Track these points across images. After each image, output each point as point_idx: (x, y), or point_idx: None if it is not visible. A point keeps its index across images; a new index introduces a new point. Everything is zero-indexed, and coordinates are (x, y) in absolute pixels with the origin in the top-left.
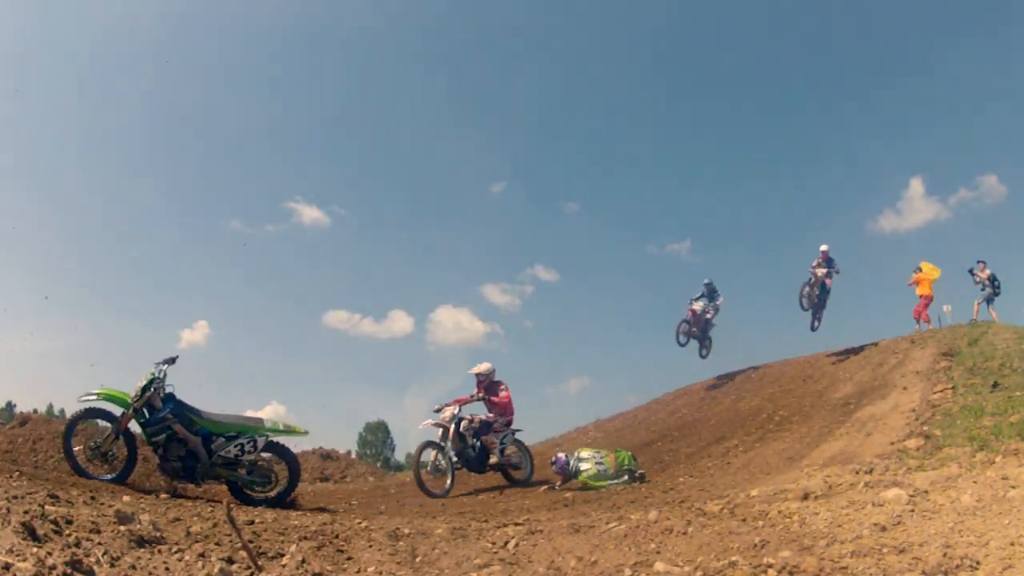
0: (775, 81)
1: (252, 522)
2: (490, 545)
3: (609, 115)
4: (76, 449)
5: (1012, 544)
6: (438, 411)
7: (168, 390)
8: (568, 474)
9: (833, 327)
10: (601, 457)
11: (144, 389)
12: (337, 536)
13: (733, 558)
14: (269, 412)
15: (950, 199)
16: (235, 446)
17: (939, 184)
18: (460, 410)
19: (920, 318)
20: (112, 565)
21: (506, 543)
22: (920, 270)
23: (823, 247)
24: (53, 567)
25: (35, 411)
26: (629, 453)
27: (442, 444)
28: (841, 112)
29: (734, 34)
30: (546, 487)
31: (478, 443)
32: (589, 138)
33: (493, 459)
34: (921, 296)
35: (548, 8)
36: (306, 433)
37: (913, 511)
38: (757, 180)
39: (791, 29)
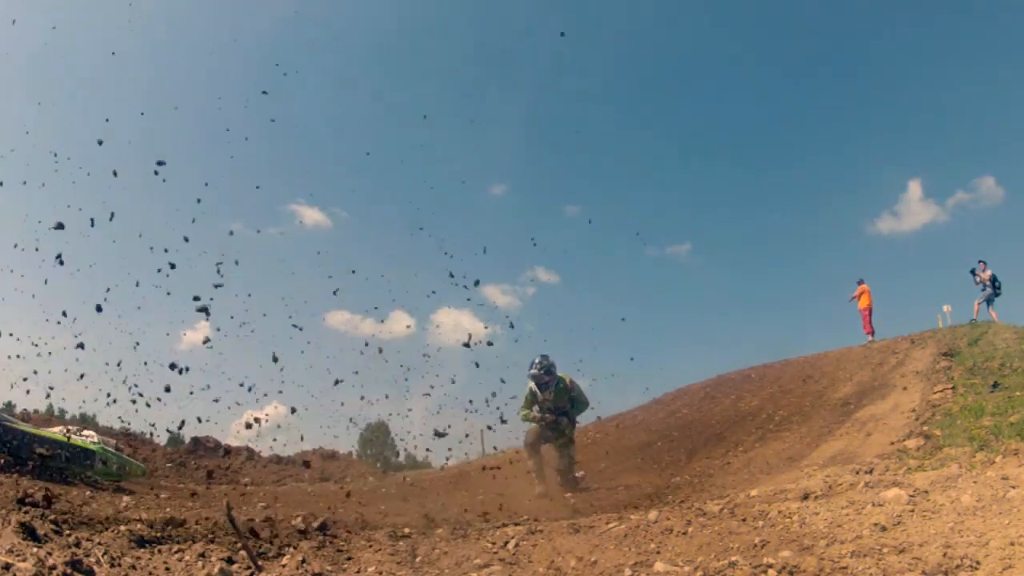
0: (774, 84)
1: (252, 522)
2: (490, 545)
3: (609, 118)
4: None
5: (1012, 544)
6: None
7: None
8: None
9: (834, 328)
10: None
11: None
12: (337, 536)
13: (733, 558)
14: (270, 412)
15: (948, 201)
16: None
17: (937, 186)
18: None
19: (872, 331)
20: (112, 565)
21: (506, 543)
22: (862, 283)
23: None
24: (53, 567)
25: (35, 411)
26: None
27: None
28: (839, 115)
29: (733, 37)
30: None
31: None
32: (590, 141)
33: None
34: (865, 308)
35: (549, 11)
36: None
37: (913, 511)
38: (756, 183)
39: (790, 32)
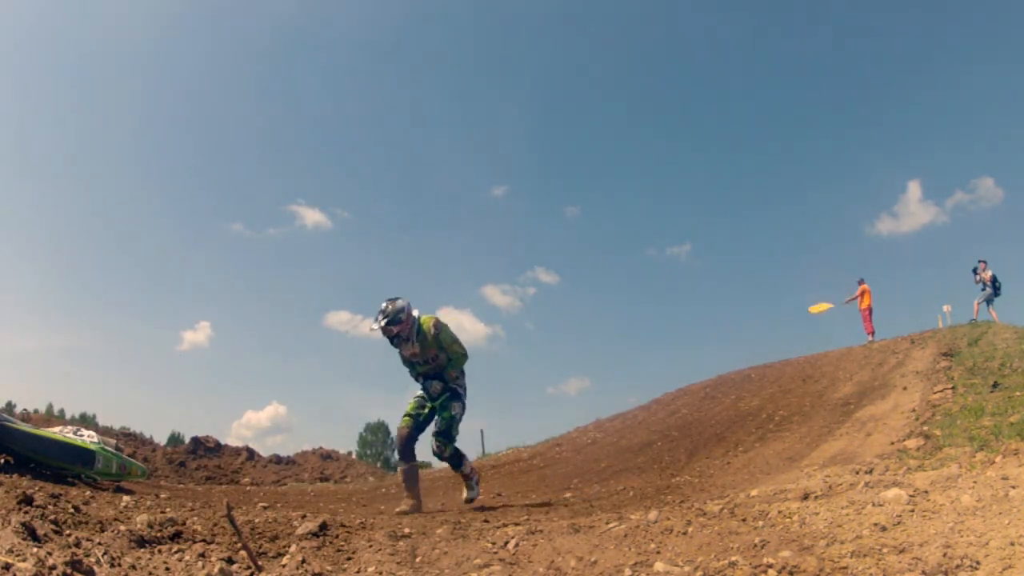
0: (774, 86)
1: (252, 522)
2: (490, 545)
3: (610, 119)
4: None
5: (1012, 544)
6: None
7: None
8: None
9: (834, 328)
10: None
11: None
12: (337, 536)
13: (733, 558)
14: (270, 412)
15: (947, 202)
16: None
17: (936, 188)
18: None
19: (873, 330)
20: (112, 565)
21: (506, 543)
22: (862, 283)
23: None
24: (53, 567)
25: (35, 411)
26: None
27: None
28: (839, 116)
29: (733, 39)
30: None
31: None
32: (590, 142)
33: None
34: (866, 308)
35: (549, 13)
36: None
37: (913, 511)
38: (756, 184)
39: (789, 35)
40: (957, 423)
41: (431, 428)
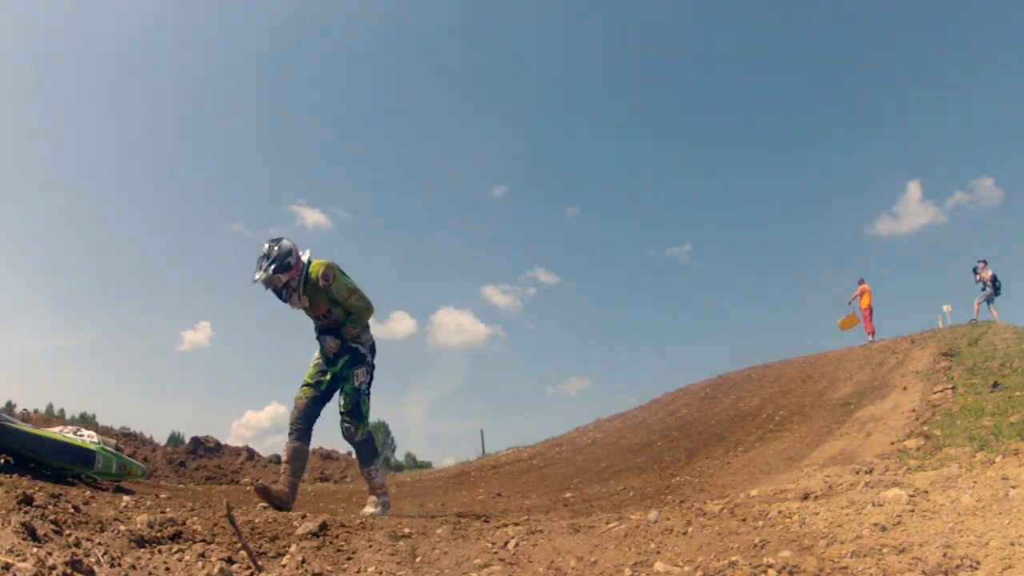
0: (773, 86)
1: (252, 522)
2: (490, 545)
3: (610, 120)
4: None
5: (1012, 544)
6: None
7: None
8: None
9: (834, 327)
10: None
11: None
12: (337, 536)
13: (733, 558)
14: (270, 412)
15: (947, 202)
16: None
17: (935, 188)
18: None
19: (873, 330)
20: (112, 565)
21: (506, 543)
22: (863, 282)
23: None
24: (53, 567)
25: (35, 411)
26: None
27: None
28: (839, 117)
29: (733, 40)
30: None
31: None
32: (590, 142)
33: None
34: (866, 308)
35: (550, 13)
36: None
37: (913, 511)
38: (756, 185)
39: (789, 35)
40: (957, 423)
41: (337, 403)
